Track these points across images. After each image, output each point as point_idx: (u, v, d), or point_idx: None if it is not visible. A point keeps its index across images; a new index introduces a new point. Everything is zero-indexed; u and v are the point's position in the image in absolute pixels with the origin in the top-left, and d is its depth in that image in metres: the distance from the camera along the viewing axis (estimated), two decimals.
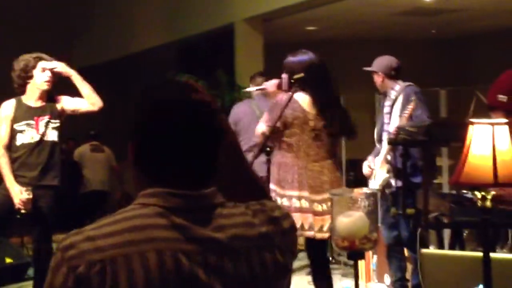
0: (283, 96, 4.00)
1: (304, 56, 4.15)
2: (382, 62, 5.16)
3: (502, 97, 2.94)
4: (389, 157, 4.89)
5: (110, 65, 11.35)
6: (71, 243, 1.27)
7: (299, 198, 4.03)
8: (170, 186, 1.32)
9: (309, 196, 4.04)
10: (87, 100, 4.95)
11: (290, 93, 3.97)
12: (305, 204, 4.03)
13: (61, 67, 4.91)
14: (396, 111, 4.85)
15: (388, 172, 4.89)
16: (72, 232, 1.30)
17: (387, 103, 4.95)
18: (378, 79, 5.17)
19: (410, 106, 4.69)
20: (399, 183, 4.69)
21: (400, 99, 4.85)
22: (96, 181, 9.16)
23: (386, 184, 4.88)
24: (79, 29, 11.83)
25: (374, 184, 5.03)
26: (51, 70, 4.84)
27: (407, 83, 4.96)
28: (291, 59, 4.13)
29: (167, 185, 1.32)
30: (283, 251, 1.37)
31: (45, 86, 4.81)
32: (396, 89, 4.92)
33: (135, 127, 1.36)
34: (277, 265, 1.35)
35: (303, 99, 4.07)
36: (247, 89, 5.41)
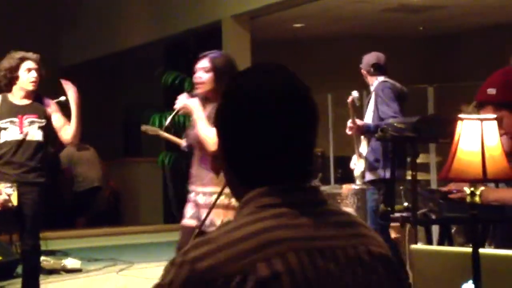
0: None
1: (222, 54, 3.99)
2: (365, 59, 5.32)
3: (491, 90, 2.96)
4: (361, 150, 5.02)
5: (97, 63, 11.31)
6: (200, 254, 1.15)
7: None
8: (275, 182, 1.23)
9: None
10: (71, 132, 4.80)
11: None
12: None
13: (71, 97, 4.81)
14: (370, 106, 5.02)
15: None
16: (196, 242, 1.18)
17: (368, 99, 5.17)
18: (365, 75, 5.35)
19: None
20: (371, 177, 4.81)
21: (373, 96, 5.06)
22: (93, 177, 9.17)
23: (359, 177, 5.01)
24: (66, 27, 11.77)
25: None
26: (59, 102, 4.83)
27: (384, 79, 5.06)
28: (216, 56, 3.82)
29: (273, 182, 1.23)
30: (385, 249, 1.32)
31: (30, 87, 4.75)
32: (374, 85, 5.10)
33: (232, 123, 1.25)
34: (388, 260, 1.30)
35: None
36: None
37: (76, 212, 8.93)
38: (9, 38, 10.66)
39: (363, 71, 5.23)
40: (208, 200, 3.65)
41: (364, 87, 6.96)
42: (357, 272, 1.23)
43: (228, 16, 8.74)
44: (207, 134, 3.58)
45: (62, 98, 5.38)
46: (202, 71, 3.72)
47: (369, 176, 4.91)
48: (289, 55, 9.75)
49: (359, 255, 1.24)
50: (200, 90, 3.74)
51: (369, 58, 5.23)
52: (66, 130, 4.81)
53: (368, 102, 5.12)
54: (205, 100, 3.75)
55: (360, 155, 5.00)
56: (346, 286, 1.21)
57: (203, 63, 3.73)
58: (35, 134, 4.74)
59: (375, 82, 5.07)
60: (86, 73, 11.42)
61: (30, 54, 4.83)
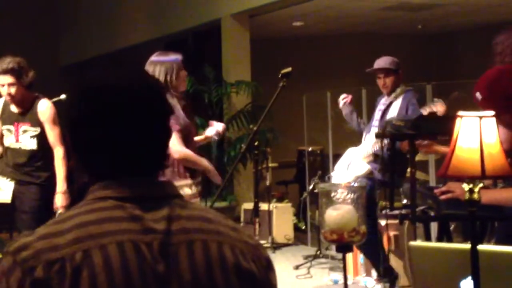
0: None
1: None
2: (394, 60, 5.25)
3: (478, 95, 2.99)
4: (373, 150, 5.00)
5: (97, 62, 11.32)
6: (24, 244, 1.19)
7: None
8: (118, 176, 1.27)
9: None
10: (57, 164, 4.68)
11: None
12: None
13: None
14: (393, 111, 4.98)
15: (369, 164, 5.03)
16: (22, 234, 1.25)
17: (384, 101, 5.09)
18: (390, 77, 5.20)
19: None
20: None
21: (399, 101, 5.00)
22: None
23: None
24: (65, 26, 11.78)
25: (348, 174, 5.15)
26: None
27: (408, 87, 5.11)
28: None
29: (115, 176, 1.27)
30: (246, 256, 1.30)
31: (8, 99, 4.62)
32: (399, 91, 5.09)
33: (71, 117, 1.30)
34: (239, 267, 1.28)
35: None
36: None
37: None
38: (9, 37, 10.69)
39: (393, 73, 5.16)
40: None
41: (362, 85, 6.99)
42: (190, 270, 1.23)
43: (228, 15, 8.76)
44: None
45: (62, 96, 5.39)
46: None
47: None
48: (288, 54, 9.78)
49: (206, 252, 1.25)
50: None
51: (396, 60, 5.22)
52: (56, 152, 4.70)
53: (389, 104, 5.00)
54: None
55: (373, 155, 4.97)
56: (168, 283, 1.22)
57: None
58: (28, 143, 4.68)
59: (401, 87, 5.07)
60: (85, 72, 11.43)
61: (1, 67, 4.54)
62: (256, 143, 4.06)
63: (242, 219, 7.45)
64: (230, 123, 8.32)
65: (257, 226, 6.09)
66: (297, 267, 6.08)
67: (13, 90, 4.52)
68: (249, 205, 7.58)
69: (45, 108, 4.72)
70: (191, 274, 1.23)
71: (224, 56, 8.92)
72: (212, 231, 1.28)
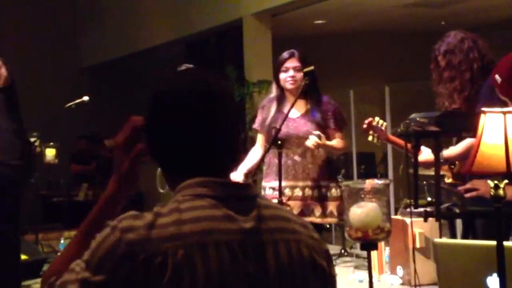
0: None
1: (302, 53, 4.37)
2: None
3: (498, 77, 2.98)
4: None
5: (118, 63, 11.38)
6: (132, 226, 1.22)
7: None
8: (200, 175, 1.31)
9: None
10: None
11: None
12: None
13: None
14: None
15: None
16: (130, 213, 1.25)
17: None
18: None
19: None
20: None
21: None
22: None
23: None
24: (87, 27, 11.86)
25: None
26: None
27: None
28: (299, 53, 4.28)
29: (197, 175, 1.31)
30: (318, 252, 1.36)
31: None
32: None
33: (154, 117, 1.35)
34: (314, 264, 1.35)
35: None
36: None
37: None
38: (31, 38, 10.78)
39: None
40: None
41: (385, 83, 6.95)
42: (285, 269, 1.29)
43: (249, 14, 8.75)
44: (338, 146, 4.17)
45: (85, 98, 5.43)
46: (294, 70, 4.14)
47: None
48: (310, 52, 9.70)
49: (288, 251, 1.30)
50: (292, 86, 4.13)
51: None
52: None
53: None
54: (281, 96, 4.20)
55: None
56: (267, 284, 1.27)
57: (294, 62, 4.16)
58: None
59: None
60: (107, 73, 11.50)
61: None
62: (279, 142, 4.04)
63: None
64: (252, 122, 8.32)
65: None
66: None
67: None
68: None
69: None
70: (278, 273, 1.28)
71: (246, 56, 8.92)
72: (290, 230, 1.34)
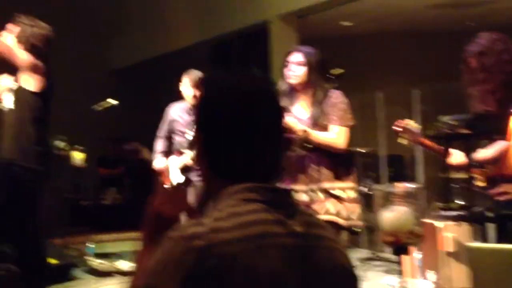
0: None
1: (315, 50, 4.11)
2: None
3: None
4: None
5: (146, 65, 11.42)
6: (197, 233, 1.23)
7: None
8: (247, 181, 1.33)
9: None
10: None
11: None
12: None
13: None
14: None
15: None
16: (189, 222, 1.27)
17: None
18: None
19: None
20: None
21: None
22: None
23: None
24: (115, 30, 11.92)
25: None
26: None
27: None
28: (308, 51, 4.05)
29: (248, 180, 1.33)
30: (347, 257, 1.43)
31: None
32: None
33: (211, 120, 1.36)
34: (347, 269, 1.40)
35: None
36: None
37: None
38: (60, 41, 10.85)
39: None
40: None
41: (413, 85, 6.88)
42: (320, 274, 1.33)
43: (275, 16, 8.73)
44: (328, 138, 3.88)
45: (114, 101, 5.42)
46: (296, 65, 3.96)
47: None
48: (336, 54, 9.67)
49: (329, 257, 1.35)
50: (293, 81, 3.98)
51: None
52: None
53: None
54: (290, 92, 4.01)
55: None
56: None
57: (297, 57, 3.98)
58: None
59: None
60: (134, 75, 11.54)
61: None
62: (309, 145, 4.00)
63: None
64: None
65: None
66: None
67: None
68: None
69: None
70: (322, 278, 1.33)
71: (272, 58, 8.89)
72: (327, 237, 1.38)
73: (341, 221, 3.90)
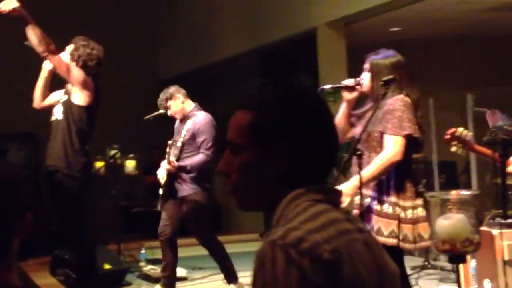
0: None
1: (390, 53, 3.89)
2: None
3: None
4: None
5: (193, 75, 11.51)
6: (299, 237, 1.24)
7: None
8: (313, 182, 1.36)
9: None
10: None
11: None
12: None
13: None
14: None
15: None
16: (283, 230, 1.27)
17: None
18: None
19: None
20: None
21: None
22: None
23: None
24: (162, 40, 12.05)
25: None
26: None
27: None
28: (376, 57, 3.85)
29: (312, 182, 1.36)
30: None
31: None
32: None
33: (294, 122, 1.36)
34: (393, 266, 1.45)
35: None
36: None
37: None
38: (109, 51, 11.02)
39: None
40: (377, 207, 3.67)
41: (466, 90, 6.79)
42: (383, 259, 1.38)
43: (323, 23, 8.71)
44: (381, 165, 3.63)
45: (163, 111, 5.55)
46: (364, 71, 3.86)
47: None
48: None
49: (381, 252, 1.39)
50: (360, 89, 3.89)
51: None
52: None
53: None
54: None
55: None
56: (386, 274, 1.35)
57: (365, 63, 3.86)
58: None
59: None
60: (183, 85, 11.63)
61: None
62: (358, 152, 3.95)
63: None
64: None
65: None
66: None
67: None
68: None
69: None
70: (387, 274, 1.36)
71: (321, 65, 8.87)
72: (367, 231, 1.42)
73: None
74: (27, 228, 1.45)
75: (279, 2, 9.45)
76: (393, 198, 3.67)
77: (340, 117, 4.00)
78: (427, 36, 10.29)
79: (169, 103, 5.88)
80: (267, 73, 9.88)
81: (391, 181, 3.68)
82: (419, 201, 3.73)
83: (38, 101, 5.22)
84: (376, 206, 3.69)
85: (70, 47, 5.05)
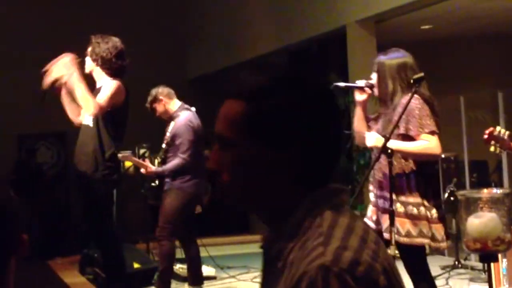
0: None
1: (398, 53, 3.87)
2: None
3: None
4: None
5: (223, 73, 11.53)
6: (352, 260, 1.10)
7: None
8: (326, 182, 1.26)
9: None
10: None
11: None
12: None
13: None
14: None
15: None
16: (331, 250, 1.12)
17: None
18: None
19: None
20: None
21: None
22: None
23: None
24: (192, 39, 12.09)
25: None
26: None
27: None
28: (383, 57, 3.83)
29: (325, 182, 1.26)
30: None
31: None
32: None
33: (307, 123, 1.23)
34: None
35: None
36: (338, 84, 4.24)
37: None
38: (138, 51, 11.09)
39: None
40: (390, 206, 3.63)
41: (497, 88, 6.71)
42: None
43: (353, 21, 8.66)
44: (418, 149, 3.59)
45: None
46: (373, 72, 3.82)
47: None
48: (417, 58, 9.52)
49: None
50: (370, 91, 3.85)
51: None
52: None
53: None
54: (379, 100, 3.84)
55: None
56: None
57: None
58: (86, 119, 4.91)
59: None
60: (212, 84, 11.67)
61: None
62: (389, 151, 3.91)
63: None
64: None
65: (393, 235, 5.99)
66: (434, 278, 5.89)
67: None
68: None
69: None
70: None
71: (350, 63, 8.82)
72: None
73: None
74: (24, 248, 1.43)
75: (309, 0, 9.42)
76: (415, 199, 3.64)
77: (357, 120, 3.97)
78: (458, 34, 10.18)
79: (154, 105, 5.93)
80: (297, 70, 9.83)
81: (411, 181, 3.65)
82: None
83: (75, 119, 5.06)
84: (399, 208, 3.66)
85: (89, 50, 4.91)
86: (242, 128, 1.24)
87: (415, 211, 3.65)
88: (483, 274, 5.72)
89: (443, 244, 3.69)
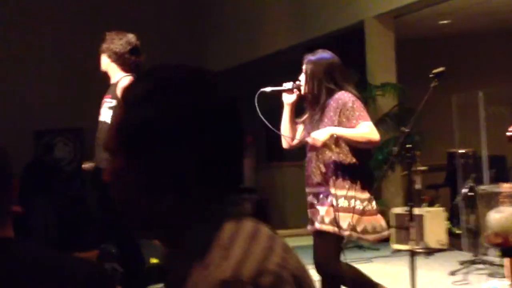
0: None
1: (325, 55, 3.89)
2: None
3: None
4: None
5: (241, 69, 11.55)
6: (255, 270, 1.02)
7: None
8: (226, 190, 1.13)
9: None
10: None
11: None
12: None
13: None
14: None
15: None
16: (229, 263, 1.03)
17: None
18: None
19: None
20: None
21: None
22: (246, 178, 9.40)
23: None
24: (210, 34, 12.12)
25: None
26: None
27: None
28: (311, 58, 3.85)
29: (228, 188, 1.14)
30: None
31: None
32: None
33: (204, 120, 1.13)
34: None
35: None
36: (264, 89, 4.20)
37: None
38: (156, 47, 11.14)
39: None
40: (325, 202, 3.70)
41: None
42: None
43: (371, 16, 8.65)
44: (360, 134, 3.64)
45: None
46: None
47: None
48: (435, 53, 9.51)
49: None
50: (298, 92, 3.91)
51: None
52: None
53: None
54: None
55: None
56: None
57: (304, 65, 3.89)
58: (103, 114, 4.68)
59: None
60: (230, 79, 11.70)
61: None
62: (410, 146, 3.92)
63: (393, 223, 7.29)
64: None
65: (411, 231, 5.98)
66: (452, 273, 5.87)
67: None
68: (398, 210, 7.42)
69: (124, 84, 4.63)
70: None
71: (369, 59, 8.81)
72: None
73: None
74: (15, 193, 1.50)
75: None
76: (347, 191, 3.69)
77: (285, 123, 4.00)
78: (477, 29, 10.13)
79: None
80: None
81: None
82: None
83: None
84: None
85: (103, 47, 4.76)
86: (115, 137, 1.13)
87: (346, 203, 3.68)
88: (502, 269, 5.69)
89: (370, 237, 3.77)
